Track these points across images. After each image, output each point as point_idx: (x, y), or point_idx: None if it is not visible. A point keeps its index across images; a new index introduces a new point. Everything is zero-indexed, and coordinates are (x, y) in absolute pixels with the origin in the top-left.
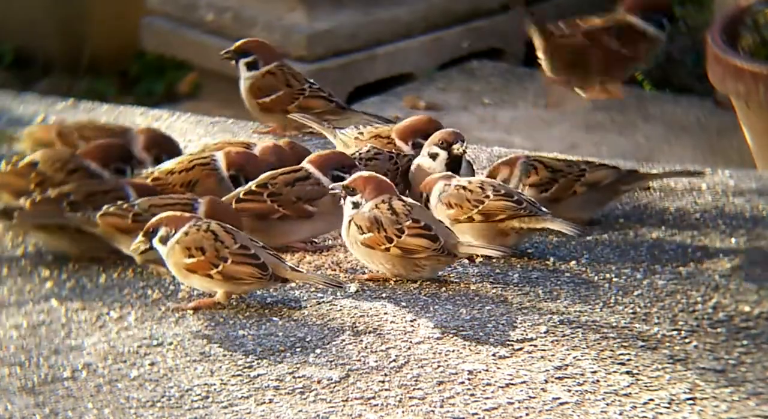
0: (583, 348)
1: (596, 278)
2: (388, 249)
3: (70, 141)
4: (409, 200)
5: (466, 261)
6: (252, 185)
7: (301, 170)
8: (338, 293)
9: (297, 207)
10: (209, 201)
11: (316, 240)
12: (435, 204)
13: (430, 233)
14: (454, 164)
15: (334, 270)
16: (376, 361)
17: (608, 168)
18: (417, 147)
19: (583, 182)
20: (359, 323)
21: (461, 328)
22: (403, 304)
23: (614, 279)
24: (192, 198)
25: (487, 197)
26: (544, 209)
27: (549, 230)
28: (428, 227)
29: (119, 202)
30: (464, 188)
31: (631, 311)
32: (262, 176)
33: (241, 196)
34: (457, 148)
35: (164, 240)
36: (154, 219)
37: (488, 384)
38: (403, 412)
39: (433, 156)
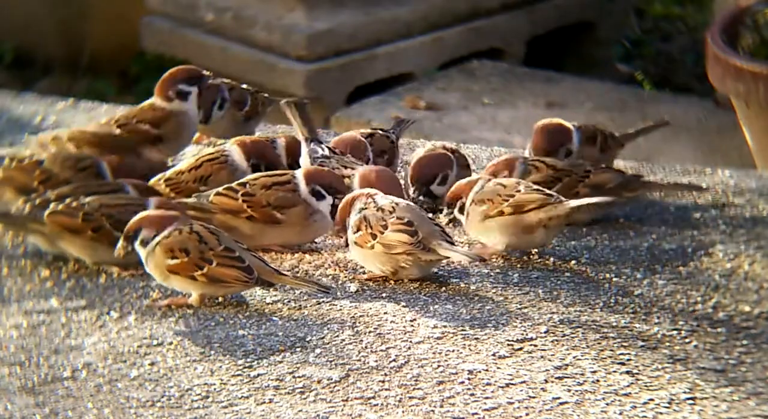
0: (583, 347)
1: (596, 278)
2: (372, 247)
3: (134, 127)
4: (397, 199)
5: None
6: (235, 182)
7: (285, 176)
8: (338, 293)
9: (264, 212)
10: (159, 202)
11: (316, 240)
12: (469, 206)
13: (411, 228)
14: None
15: (335, 270)
16: (376, 361)
17: (613, 172)
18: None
19: (586, 183)
20: (359, 323)
21: (461, 328)
22: (403, 304)
23: (614, 279)
24: (144, 198)
25: (519, 191)
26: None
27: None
28: (410, 223)
29: (68, 200)
30: (500, 184)
31: (631, 311)
32: (250, 175)
33: (221, 190)
34: (434, 188)
35: (145, 243)
36: (133, 221)
37: (488, 384)
38: (403, 412)
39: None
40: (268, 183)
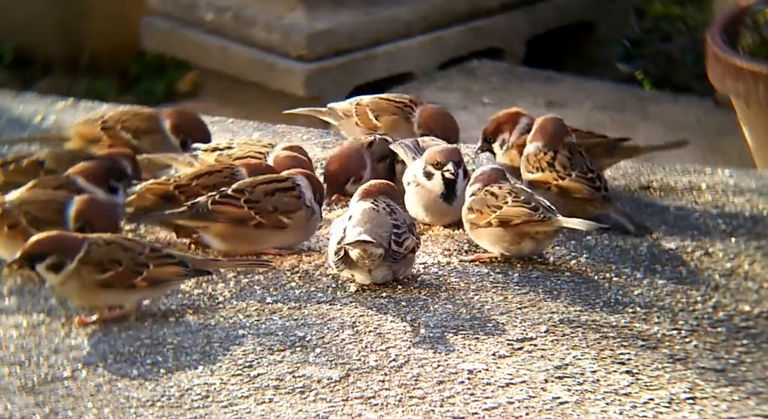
0: (583, 347)
1: (596, 277)
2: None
3: (115, 133)
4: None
5: (467, 262)
6: (228, 189)
7: (287, 181)
8: (338, 292)
9: (273, 218)
10: (82, 200)
11: (316, 240)
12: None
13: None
14: (449, 185)
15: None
16: (376, 360)
17: (586, 184)
18: None
19: (558, 184)
20: (359, 322)
21: (461, 328)
22: (403, 304)
23: (614, 279)
24: (66, 197)
25: (506, 202)
26: (558, 213)
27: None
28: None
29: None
30: (491, 193)
31: (631, 310)
32: (241, 181)
33: (217, 198)
34: (448, 172)
35: (57, 268)
36: (32, 243)
37: (488, 384)
38: (403, 411)
39: (428, 175)
40: (270, 189)
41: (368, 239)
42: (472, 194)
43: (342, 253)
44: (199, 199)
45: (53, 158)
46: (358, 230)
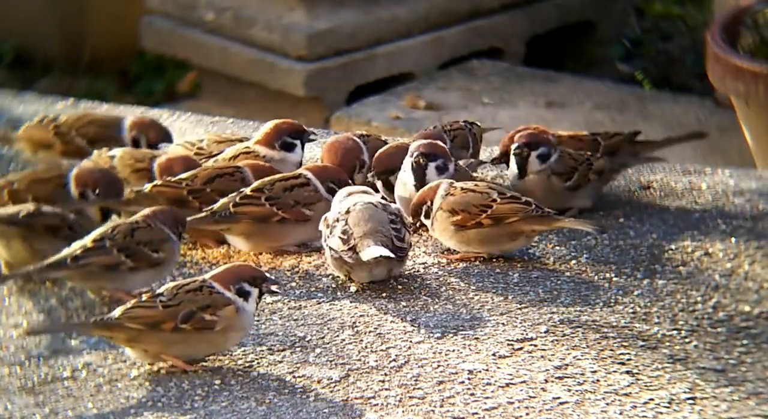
0: (583, 347)
1: (596, 277)
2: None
3: (69, 139)
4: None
5: (453, 260)
6: (247, 189)
7: (300, 177)
8: (338, 292)
9: (295, 211)
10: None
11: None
12: (435, 212)
13: (344, 237)
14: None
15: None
16: (376, 361)
17: (605, 158)
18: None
19: (594, 169)
20: (359, 323)
21: (461, 328)
22: (403, 304)
23: (614, 279)
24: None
25: (494, 200)
26: (548, 209)
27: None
28: (345, 231)
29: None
30: (471, 190)
31: (631, 310)
32: (259, 181)
33: (237, 200)
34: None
35: None
36: None
37: (488, 384)
38: (403, 412)
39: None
40: (288, 186)
41: (390, 255)
42: (446, 193)
43: (351, 250)
44: (217, 204)
45: (124, 158)
46: (369, 239)
